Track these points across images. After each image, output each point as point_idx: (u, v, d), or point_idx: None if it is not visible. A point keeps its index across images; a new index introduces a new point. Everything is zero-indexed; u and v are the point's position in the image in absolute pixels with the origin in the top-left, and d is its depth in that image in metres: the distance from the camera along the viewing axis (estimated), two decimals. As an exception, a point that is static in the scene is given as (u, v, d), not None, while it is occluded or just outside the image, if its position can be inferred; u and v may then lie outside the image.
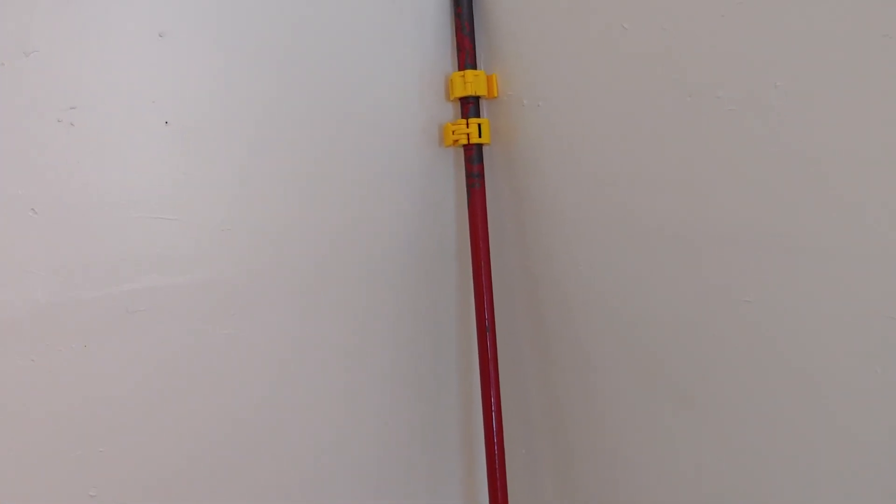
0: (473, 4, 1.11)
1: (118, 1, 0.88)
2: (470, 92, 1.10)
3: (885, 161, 0.77)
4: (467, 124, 1.10)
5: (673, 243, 0.95)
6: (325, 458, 1.06)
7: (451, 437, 1.19)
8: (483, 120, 1.11)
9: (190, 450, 0.95)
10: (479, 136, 1.10)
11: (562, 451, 1.14)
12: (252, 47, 0.97)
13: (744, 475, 0.93)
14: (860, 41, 0.77)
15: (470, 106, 1.11)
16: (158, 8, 0.91)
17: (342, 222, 1.05)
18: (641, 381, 1.02)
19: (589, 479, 1.11)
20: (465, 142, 1.10)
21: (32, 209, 0.84)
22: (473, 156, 1.11)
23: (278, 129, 0.99)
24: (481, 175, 1.11)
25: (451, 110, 1.14)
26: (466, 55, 1.10)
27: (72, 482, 0.87)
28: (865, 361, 0.81)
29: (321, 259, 1.03)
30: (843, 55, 0.78)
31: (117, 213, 0.89)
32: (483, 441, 1.12)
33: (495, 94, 1.11)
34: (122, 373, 0.90)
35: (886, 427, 0.81)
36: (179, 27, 0.92)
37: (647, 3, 0.93)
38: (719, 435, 0.95)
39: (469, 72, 1.10)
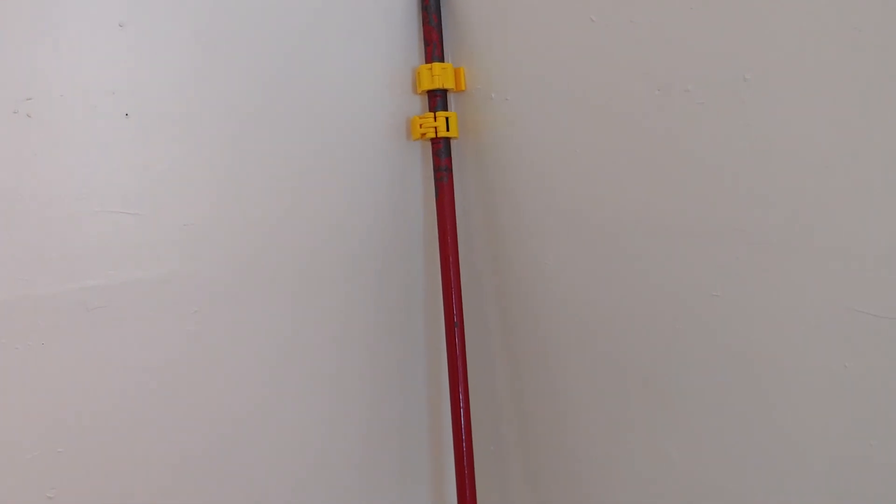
0: (441, -4, 1.11)
1: (76, -10, 0.86)
2: (437, 85, 1.09)
3: (854, 155, 0.77)
4: (435, 118, 1.09)
5: (641, 237, 0.95)
6: (288, 457, 1.04)
7: (420, 434, 1.18)
8: (451, 113, 1.10)
9: (149, 449, 0.93)
10: (447, 130, 1.09)
11: (530, 447, 1.13)
12: (215, 39, 0.95)
13: (713, 469, 0.93)
14: (831, 35, 0.77)
15: (437, 99, 1.10)
16: (118, -3, 0.89)
17: (307, 217, 1.03)
18: (610, 377, 1.02)
19: (557, 476, 1.11)
20: (432, 135, 1.09)
21: (-13, 203, 0.82)
22: (441, 149, 1.10)
23: (242, 123, 0.97)
24: (449, 169, 1.10)
25: (418, 103, 1.13)
26: (433, 48, 1.09)
27: (29, 483, 0.85)
28: (833, 355, 0.81)
29: (285, 255, 1.02)
30: (813, 49, 0.78)
31: (76, 208, 0.86)
32: (451, 438, 1.11)
33: (463, 88, 1.10)
34: (81, 371, 0.87)
35: (854, 421, 0.81)
36: (140, 17, 0.89)
37: (615, -5, 0.93)
38: (687, 430, 0.95)
39: (436, 65, 1.09)
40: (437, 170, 1.10)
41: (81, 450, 0.88)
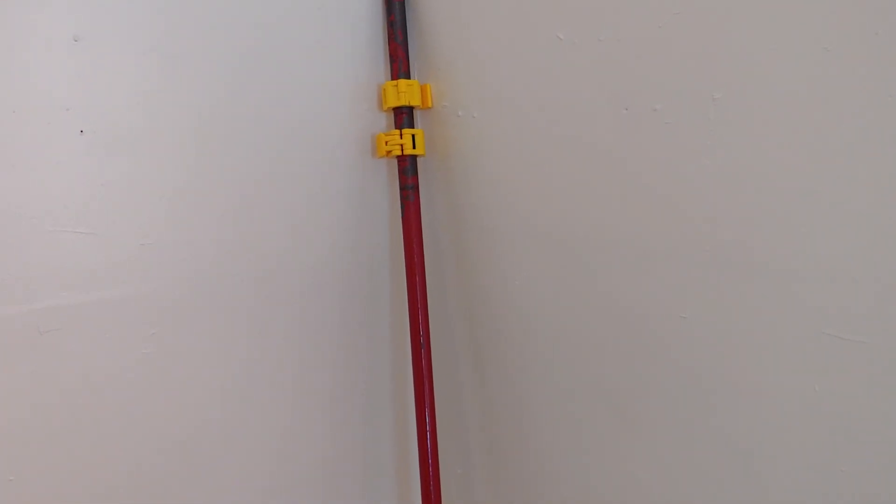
0: (406, 13, 1.09)
1: (30, 2, 0.84)
2: (403, 102, 1.07)
3: (822, 175, 0.77)
4: (401, 135, 1.08)
5: (609, 257, 0.95)
6: (248, 479, 1.02)
7: (385, 456, 1.16)
8: (417, 131, 1.09)
9: (107, 473, 0.90)
10: (413, 148, 1.08)
11: (497, 469, 1.12)
12: (174, 53, 0.93)
13: (679, 491, 0.93)
14: (800, 54, 0.77)
15: (403, 116, 1.09)
16: (73, 10, 0.86)
17: (270, 236, 1.01)
18: (578, 398, 1.01)
19: (525, 498, 1.10)
20: (398, 153, 1.08)
21: (-64, 222, 0.80)
22: (407, 167, 1.09)
23: (202, 140, 0.95)
24: (416, 187, 1.09)
25: (384, 120, 1.11)
26: (399, 64, 1.08)
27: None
28: (802, 377, 0.81)
29: (246, 275, 1.00)
30: (782, 68, 0.78)
31: (28, 227, 0.84)
32: (418, 460, 1.09)
33: (430, 105, 1.09)
34: (34, 395, 0.85)
35: (823, 443, 0.80)
36: (96, 31, 0.88)
37: (583, 13, 0.92)
38: (656, 452, 0.94)
39: (402, 81, 1.07)
40: (403, 188, 1.09)
41: (34, 477, 0.85)
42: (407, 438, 1.17)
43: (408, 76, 1.09)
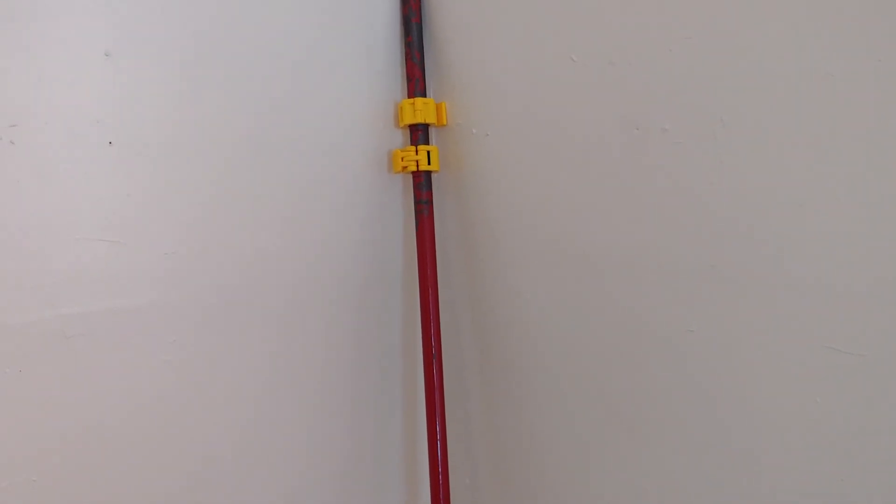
0: (423, 34, 1.12)
1: (63, 19, 0.86)
2: (419, 119, 1.10)
3: (823, 194, 0.79)
4: (416, 151, 1.10)
5: (618, 272, 0.96)
6: (264, 487, 1.04)
7: (396, 466, 1.18)
8: (432, 147, 1.11)
9: (127, 477, 0.92)
10: (429, 164, 1.11)
11: (506, 481, 1.13)
12: (201, 70, 0.96)
13: (686, 502, 0.94)
14: (804, 80, 0.79)
15: (419, 133, 1.11)
16: (105, 27, 0.89)
17: (288, 249, 1.04)
18: (585, 410, 1.02)
19: (533, 509, 1.11)
20: (413, 168, 1.10)
21: (-32, 229, 0.82)
22: (422, 183, 1.11)
23: (226, 154, 0.98)
24: (430, 202, 1.12)
25: (400, 137, 1.14)
26: (416, 83, 1.11)
27: (1, 511, 0.84)
28: (805, 390, 0.82)
29: (265, 286, 1.02)
30: (787, 93, 0.80)
31: (56, 235, 0.86)
32: (427, 468, 1.11)
33: (445, 123, 1.12)
34: (58, 399, 0.87)
35: (822, 454, 0.82)
36: (127, 47, 0.90)
37: (595, 36, 0.95)
38: (661, 463, 0.95)
39: (419, 100, 1.10)
40: (417, 202, 1.12)
41: (57, 479, 0.87)
42: (417, 448, 1.19)
43: (424, 95, 1.12)
